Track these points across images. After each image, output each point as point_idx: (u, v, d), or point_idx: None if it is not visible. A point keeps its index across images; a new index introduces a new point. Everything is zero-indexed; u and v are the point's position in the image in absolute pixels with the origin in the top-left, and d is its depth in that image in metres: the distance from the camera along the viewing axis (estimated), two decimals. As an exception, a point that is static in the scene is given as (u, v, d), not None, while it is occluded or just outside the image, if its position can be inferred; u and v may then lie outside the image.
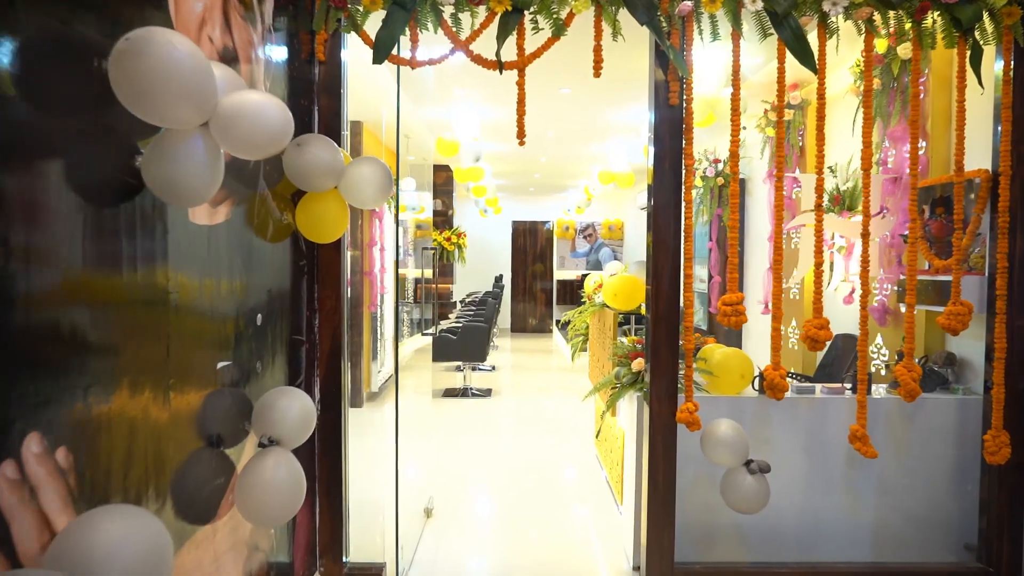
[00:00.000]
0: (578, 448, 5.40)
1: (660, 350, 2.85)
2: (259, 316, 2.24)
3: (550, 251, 13.68)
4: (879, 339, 3.97)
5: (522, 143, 2.93)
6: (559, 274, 13.67)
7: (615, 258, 13.57)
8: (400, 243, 8.68)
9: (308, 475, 2.20)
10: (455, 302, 10.24)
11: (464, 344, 7.05)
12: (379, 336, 7.68)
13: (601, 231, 13.54)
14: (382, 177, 2.54)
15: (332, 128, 2.89)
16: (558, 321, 13.55)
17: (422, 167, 8.98)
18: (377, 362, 7.65)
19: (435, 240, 9.61)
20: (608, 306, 4.07)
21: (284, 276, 2.56)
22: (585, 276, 13.25)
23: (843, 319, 4.65)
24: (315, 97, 2.84)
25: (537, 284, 13.68)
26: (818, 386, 3.31)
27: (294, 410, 2.11)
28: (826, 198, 4.56)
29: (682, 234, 2.89)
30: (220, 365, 1.94)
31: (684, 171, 2.87)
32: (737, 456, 2.76)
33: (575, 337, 4.97)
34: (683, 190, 2.89)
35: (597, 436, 4.36)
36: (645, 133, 5.99)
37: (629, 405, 3.51)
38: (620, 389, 3.31)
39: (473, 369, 8.56)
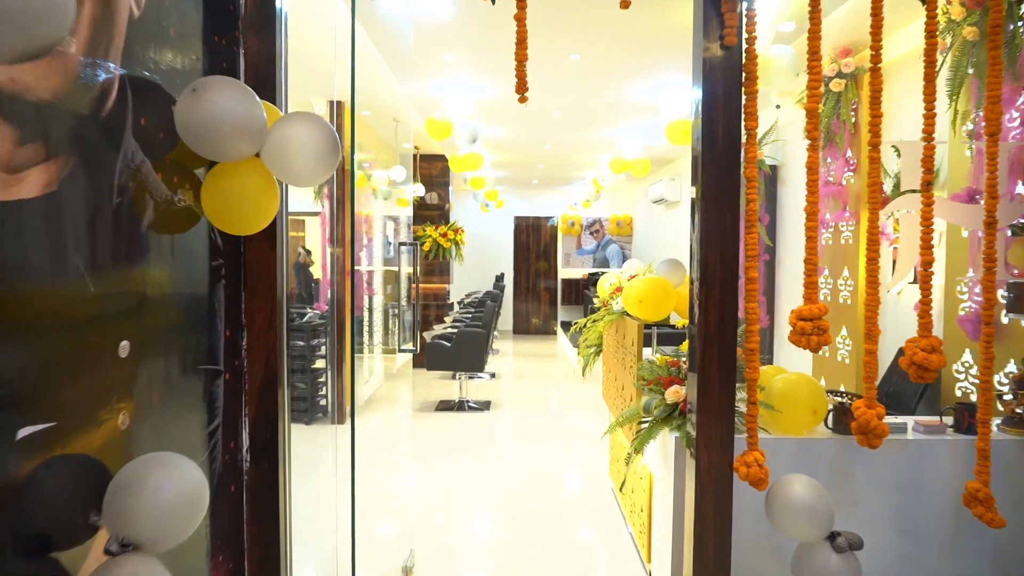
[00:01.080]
0: (591, 478, 4.64)
1: (711, 380, 2.09)
2: (124, 344, 1.49)
3: (554, 248, 12.92)
4: (967, 355, 3.20)
5: (523, 98, 2.15)
6: (564, 272, 12.91)
7: (624, 255, 12.80)
8: (393, 239, 7.93)
9: (233, 548, 1.45)
10: (452, 303, 9.49)
11: (459, 352, 6.30)
12: (366, 343, 6.93)
13: (608, 227, 12.77)
14: (323, 141, 1.79)
15: (264, 79, 2.13)
16: (566, 323, 12.79)
17: (393, 147, 8.23)
18: (364, 371, 6.91)
19: (430, 236, 8.85)
20: (629, 315, 3.31)
21: (186, 281, 1.81)
22: (593, 275, 12.53)
23: (904, 328, 3.89)
24: (239, 36, 2.08)
25: (541, 283, 12.92)
26: (909, 421, 2.55)
27: (167, 492, 1.35)
28: (890, 183, 3.81)
29: (742, 223, 2.13)
30: (22, 433, 1.18)
31: (746, 138, 2.10)
32: (819, 528, 2.00)
33: (586, 349, 4.20)
34: (743, 164, 2.12)
35: (621, 489, 3.59)
36: (666, 109, 5.24)
37: (661, 442, 2.75)
38: (651, 427, 2.55)
39: (470, 378, 7.81)
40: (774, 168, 5.69)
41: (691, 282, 2.25)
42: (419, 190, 8.27)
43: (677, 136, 4.90)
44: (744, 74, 2.10)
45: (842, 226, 4.40)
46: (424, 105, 5.75)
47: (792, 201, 5.49)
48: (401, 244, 5.78)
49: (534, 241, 12.94)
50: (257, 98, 1.70)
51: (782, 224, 5.64)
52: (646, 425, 2.62)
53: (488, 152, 7.84)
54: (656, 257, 10.15)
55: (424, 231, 8.92)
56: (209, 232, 1.91)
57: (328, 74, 5.24)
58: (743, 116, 2.12)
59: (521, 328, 12.98)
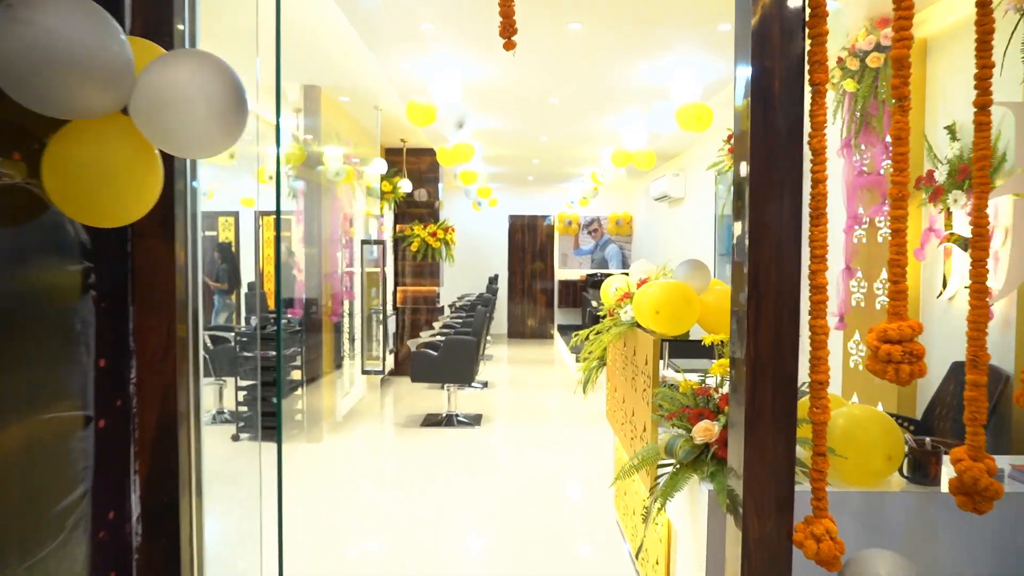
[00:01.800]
0: (593, 506, 4.10)
1: (763, 423, 1.54)
2: None
3: (551, 248, 12.38)
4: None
5: (510, 43, 1.59)
6: (561, 274, 12.36)
7: (623, 255, 12.27)
8: (377, 234, 7.36)
9: None
10: (442, 307, 8.95)
11: (447, 362, 5.74)
12: (346, 351, 6.37)
13: (607, 226, 12.23)
14: (218, 90, 1.24)
15: (156, 20, 1.57)
16: (563, 327, 12.24)
17: (376, 139, 7.69)
18: (344, 382, 6.35)
19: (418, 236, 8.30)
20: (641, 327, 2.76)
21: (29, 296, 1.25)
22: (592, 277, 12.00)
23: (956, 340, 3.37)
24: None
25: (536, 284, 12.38)
26: (1003, 465, 2.01)
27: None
28: (944, 171, 3.27)
29: (803, 212, 1.58)
30: None
31: (811, 97, 1.55)
32: (914, 627, 1.47)
33: (587, 364, 3.65)
34: (805, 135, 1.58)
35: (638, 556, 2.99)
36: (679, 86, 4.70)
37: (688, 491, 2.20)
38: (675, 475, 2.00)
39: (460, 388, 7.25)
40: (793, 159, 5.15)
41: (736, 292, 1.68)
42: (405, 186, 7.72)
43: (689, 121, 4.36)
44: (811, 13, 1.55)
45: (879, 222, 3.86)
46: (405, 88, 5.20)
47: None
48: (364, 243, 5.12)
49: (530, 241, 12.40)
50: (114, 24, 1.15)
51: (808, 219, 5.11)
52: (667, 471, 2.07)
53: (480, 145, 7.30)
54: (658, 258, 9.59)
55: (412, 230, 8.37)
56: (66, 225, 1.35)
57: (299, 53, 4.68)
58: (806, 69, 1.57)
59: (516, 332, 12.43)
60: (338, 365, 6.05)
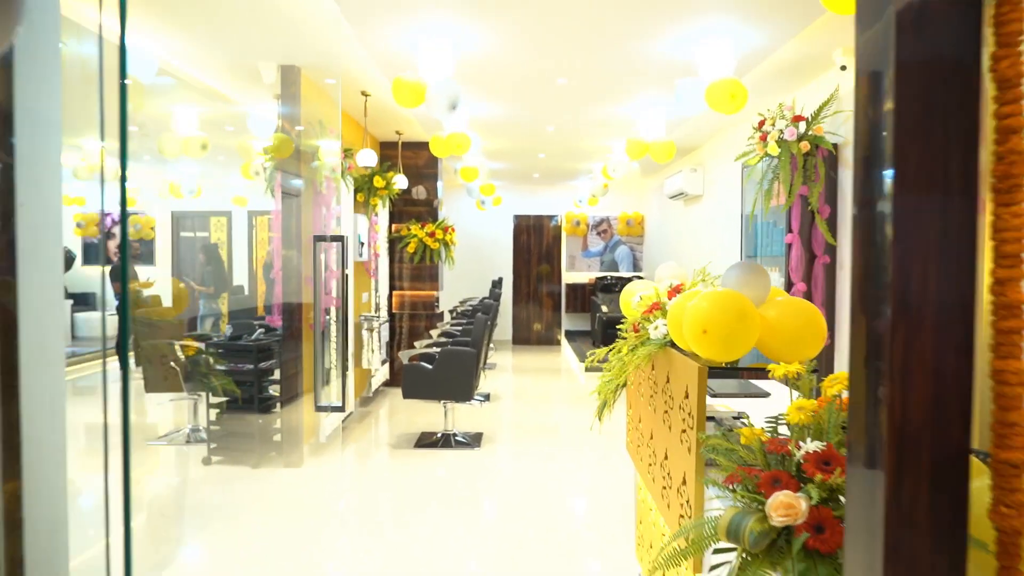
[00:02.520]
0: (612, 557, 3.48)
1: (913, 532, 0.92)
2: None
3: (558, 250, 11.77)
4: None
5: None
6: (568, 277, 11.75)
7: (634, 257, 11.64)
8: (368, 239, 6.78)
9: None
10: (441, 313, 8.35)
11: (442, 377, 5.14)
12: (332, 362, 5.77)
13: (617, 226, 11.60)
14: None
15: None
16: (571, 332, 11.62)
17: (363, 127, 7.15)
18: (332, 396, 5.75)
19: (415, 236, 7.70)
20: (679, 348, 2.15)
21: None
22: (601, 280, 11.37)
23: None
24: None
25: (543, 288, 11.76)
26: None
27: None
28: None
29: (977, 200, 0.94)
30: None
31: (995, 45, 0.91)
32: None
33: (606, 386, 3.02)
34: (978, 87, 0.94)
35: None
36: (701, 69, 4.08)
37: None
38: (744, 570, 1.39)
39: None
40: (834, 147, 4.53)
41: (861, 316, 1.03)
42: (400, 182, 7.12)
43: (721, 100, 3.74)
44: None
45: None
46: (393, 70, 4.60)
47: (861, 188, 4.32)
48: (318, 239, 4.35)
49: (535, 242, 11.79)
50: None
51: (846, 216, 4.48)
52: (729, 562, 1.46)
53: (478, 136, 6.70)
54: (673, 260, 8.92)
55: (408, 230, 7.78)
56: None
57: (276, 31, 4.09)
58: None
59: (522, 338, 11.82)
60: (324, 380, 5.46)
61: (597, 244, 11.71)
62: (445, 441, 5.41)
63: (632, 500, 3.66)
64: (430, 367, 5.16)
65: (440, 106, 3.80)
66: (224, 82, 5.03)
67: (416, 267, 7.91)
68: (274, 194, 4.81)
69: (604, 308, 9.78)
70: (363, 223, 6.43)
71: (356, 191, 6.48)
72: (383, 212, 7.59)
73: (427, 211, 7.96)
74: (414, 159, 7.89)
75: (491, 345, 10.76)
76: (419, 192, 7.96)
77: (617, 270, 11.65)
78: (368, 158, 5.44)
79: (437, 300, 8.11)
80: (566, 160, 8.84)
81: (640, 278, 11.18)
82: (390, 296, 7.87)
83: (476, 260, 11.68)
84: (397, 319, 7.91)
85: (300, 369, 4.82)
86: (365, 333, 6.31)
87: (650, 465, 2.64)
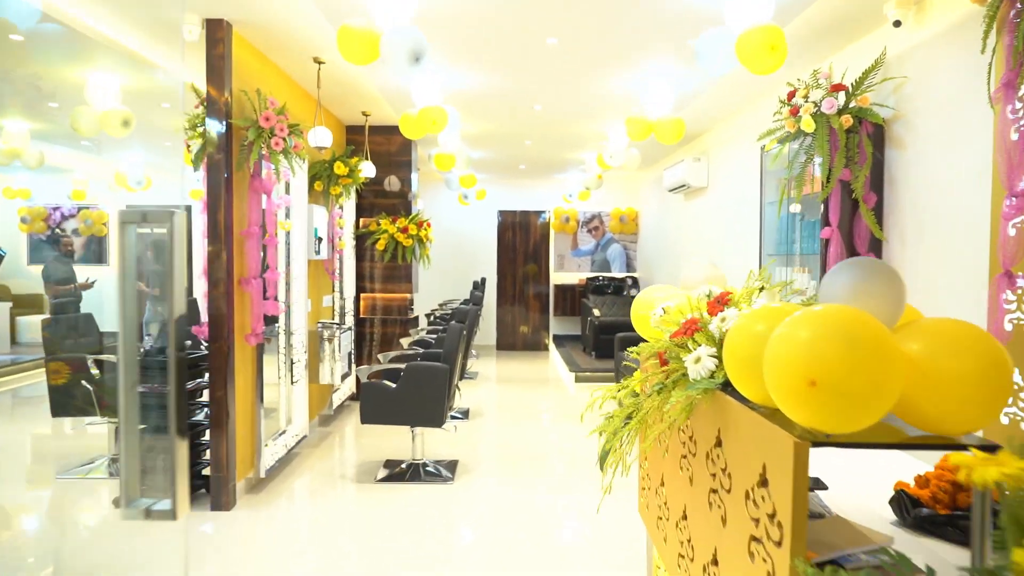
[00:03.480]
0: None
1: None
2: None
3: (545, 248, 10.94)
4: None
5: None
6: (557, 277, 10.92)
7: (627, 256, 10.83)
8: (328, 234, 5.91)
9: None
10: (416, 317, 7.49)
11: (408, 398, 4.29)
12: (280, 378, 4.92)
13: (610, 223, 10.79)
14: None
15: None
16: (559, 337, 10.79)
17: (314, 99, 6.32)
18: (280, 420, 4.90)
19: (384, 231, 6.84)
20: (737, 393, 1.32)
21: None
22: (592, 281, 10.52)
23: None
24: None
25: (529, 289, 10.93)
26: None
27: None
28: None
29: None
30: None
31: None
32: None
33: (612, 430, 2.19)
34: None
35: None
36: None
37: None
38: None
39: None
40: (883, 121, 3.73)
41: None
42: (367, 170, 6.26)
43: (757, 54, 2.92)
44: None
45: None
46: (338, 11, 3.74)
47: (916, 171, 3.52)
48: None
49: (522, 240, 10.95)
50: None
51: (896, 206, 3.68)
52: None
53: (456, 113, 5.84)
54: (671, 260, 8.15)
55: (378, 225, 6.91)
56: None
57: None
58: None
59: (506, 343, 10.98)
60: (260, 402, 4.59)
61: (588, 242, 10.89)
62: (413, 473, 4.56)
63: (643, 560, 2.84)
64: (393, 386, 4.31)
65: (400, 59, 2.95)
66: (146, 44, 4.15)
67: (388, 267, 7.05)
68: (203, 175, 3.94)
69: (596, 311, 8.96)
70: (320, 215, 5.56)
71: (313, 179, 5.61)
72: (350, 205, 6.73)
73: (400, 204, 7.09)
74: (385, 145, 7.02)
75: (472, 352, 9.91)
76: (391, 183, 7.09)
77: (609, 270, 10.85)
78: (321, 137, 4.57)
79: (411, 304, 7.25)
80: (556, 148, 8.00)
81: (634, 279, 10.39)
82: (357, 299, 7.00)
83: (458, 259, 10.83)
84: (367, 325, 7.05)
85: (231, 389, 3.95)
86: (324, 343, 5.44)
87: (681, 557, 1.80)
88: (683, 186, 7.33)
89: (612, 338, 8.63)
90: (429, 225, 7.13)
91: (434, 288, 10.72)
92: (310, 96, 5.37)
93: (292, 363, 4.98)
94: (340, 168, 5.68)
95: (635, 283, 10.27)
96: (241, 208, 4.07)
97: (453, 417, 6.20)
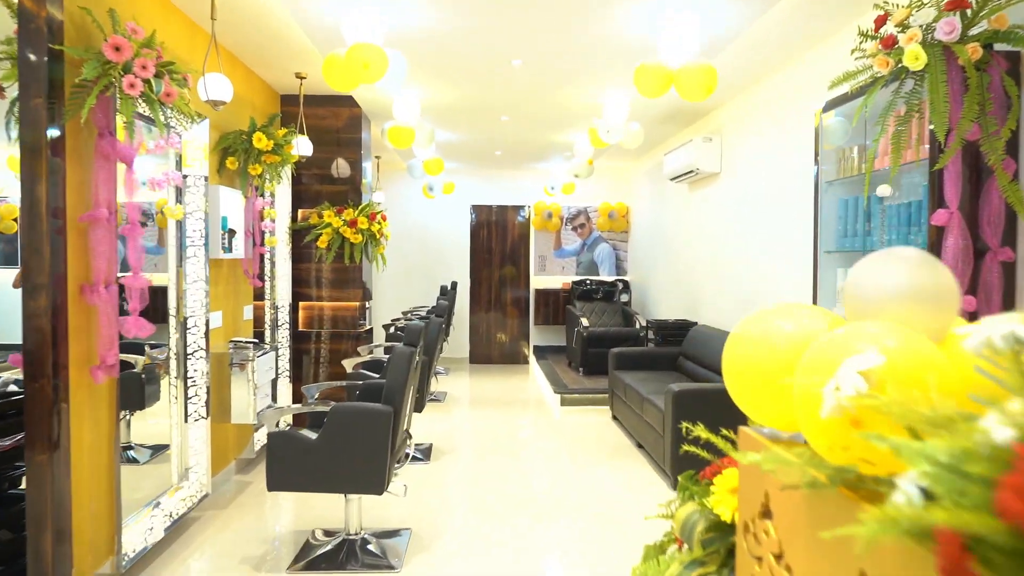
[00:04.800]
0: None
1: None
2: None
3: (525, 249, 9.71)
4: None
5: None
6: (538, 281, 9.70)
7: (618, 258, 9.65)
8: (247, 226, 4.62)
9: None
10: (370, 330, 6.21)
11: (334, 454, 3.01)
12: (174, 419, 3.61)
13: (597, 220, 9.60)
14: None
15: None
16: (540, 348, 9.57)
17: (207, 34, 5.01)
18: (154, 481, 3.60)
19: (328, 225, 5.55)
20: None
21: None
22: (578, 285, 9.25)
23: None
24: None
25: (507, 294, 9.69)
26: None
27: None
28: None
29: None
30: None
31: None
32: None
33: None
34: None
35: None
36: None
37: None
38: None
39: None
40: (1017, 55, 2.57)
41: None
42: (303, 147, 4.98)
43: None
44: None
45: None
46: None
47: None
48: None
49: (498, 239, 9.70)
50: None
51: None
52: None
53: (404, 61, 4.56)
54: (669, 262, 6.94)
55: (320, 217, 5.63)
56: None
57: None
58: None
59: (481, 355, 9.71)
60: (131, 457, 3.30)
61: (573, 241, 9.68)
62: (347, 553, 3.29)
63: None
64: (312, 437, 3.03)
65: None
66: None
67: (334, 269, 5.76)
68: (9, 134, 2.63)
69: (584, 321, 7.74)
70: (233, 201, 4.26)
71: (226, 154, 4.32)
72: (284, 192, 5.43)
73: (350, 192, 5.81)
74: (330, 120, 5.73)
75: (440, 370, 8.65)
76: (340, 168, 5.81)
77: (597, 273, 9.65)
78: (217, 88, 3.28)
79: (363, 314, 5.96)
80: (538, 127, 6.76)
81: (625, 282, 9.19)
82: (295, 309, 5.70)
83: (426, 261, 9.55)
84: (308, 341, 5.75)
85: (60, 453, 2.64)
86: (235, 370, 4.13)
87: None
88: (690, 172, 6.15)
89: (603, 352, 7.41)
90: (384, 218, 5.86)
91: (399, 294, 9.44)
92: (200, 27, 4.00)
93: (187, 397, 3.68)
94: (261, 141, 4.38)
95: (626, 287, 9.08)
96: (82, 182, 2.77)
97: (412, 458, 4.93)
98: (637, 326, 7.83)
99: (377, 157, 8.79)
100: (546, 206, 9.49)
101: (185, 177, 3.68)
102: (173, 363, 3.66)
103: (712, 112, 6.07)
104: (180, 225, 3.68)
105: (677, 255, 7.19)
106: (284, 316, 5.43)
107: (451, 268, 9.60)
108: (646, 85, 3.45)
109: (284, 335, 5.43)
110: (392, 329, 7.03)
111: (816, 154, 3.55)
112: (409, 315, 8.30)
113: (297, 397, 5.66)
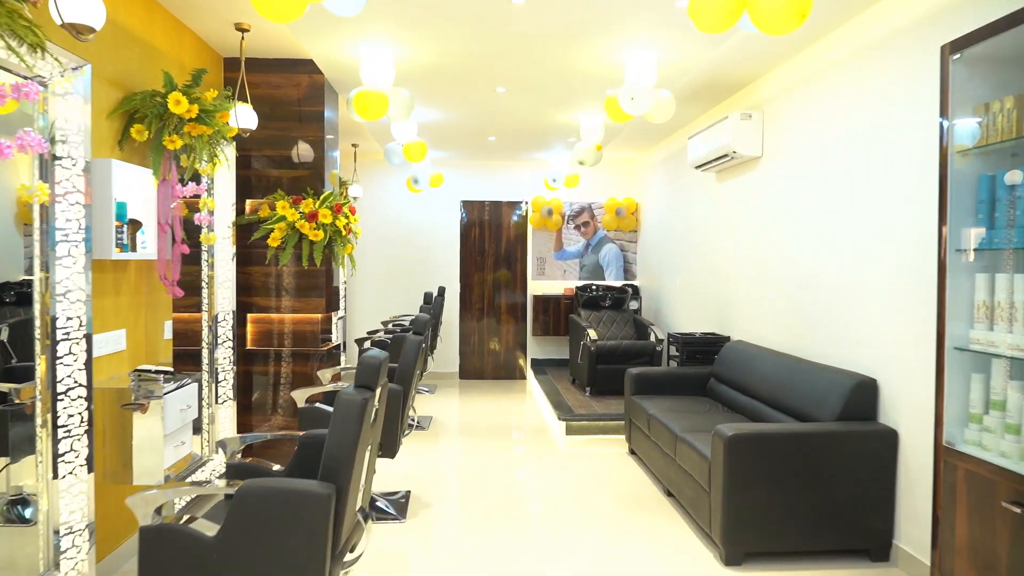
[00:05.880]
0: None
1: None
2: None
3: (522, 250, 8.66)
4: None
5: None
6: (536, 286, 8.65)
7: (626, 260, 8.61)
8: (163, 217, 3.55)
9: None
10: (337, 346, 5.14)
11: (241, 558, 1.93)
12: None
13: (603, 218, 8.56)
14: None
15: None
16: (540, 362, 8.51)
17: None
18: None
19: (281, 218, 4.49)
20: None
21: None
22: (583, 290, 8.14)
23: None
24: None
25: (501, 300, 8.64)
26: None
27: None
28: None
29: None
30: None
31: None
32: None
33: None
34: None
35: None
36: None
37: None
38: None
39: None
40: None
41: None
42: (244, 118, 3.91)
43: None
44: None
45: None
46: None
47: None
48: None
49: (491, 239, 8.65)
50: None
51: None
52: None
53: (387, 28, 3.49)
54: (675, 265, 5.83)
55: (271, 210, 4.56)
56: None
57: None
58: None
59: (472, 370, 8.65)
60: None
61: (576, 241, 8.63)
62: None
63: None
64: (209, 537, 1.96)
65: None
66: None
67: (293, 273, 4.69)
68: None
69: (591, 333, 6.69)
70: (138, 183, 3.17)
71: (133, 119, 3.24)
72: (227, 178, 4.35)
73: (311, 179, 4.74)
74: (288, 90, 4.67)
75: (424, 388, 7.56)
76: (303, 152, 4.74)
77: (602, 276, 8.61)
78: (76, 3, 2.22)
79: (327, 328, 4.90)
80: (541, 103, 5.71)
81: (634, 288, 8.16)
82: (240, 323, 4.63)
83: (410, 263, 8.49)
84: (259, 362, 4.68)
85: None
86: (137, 411, 3.04)
87: None
88: (722, 158, 5.12)
89: (613, 370, 6.38)
90: (353, 211, 4.79)
91: (381, 302, 8.37)
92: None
93: (58, 453, 2.60)
94: (180, 104, 3.30)
95: (635, 293, 8.04)
96: None
97: (380, 514, 3.86)
98: (652, 339, 6.78)
99: (354, 145, 7.73)
100: (546, 202, 8.44)
101: (54, 144, 2.60)
102: (38, 404, 2.59)
103: (752, 84, 5.04)
104: (47, 212, 2.60)
105: (701, 258, 6.15)
106: (227, 331, 4.35)
107: (439, 272, 8.53)
108: (708, 15, 2.40)
109: (227, 355, 4.36)
110: (367, 344, 5.97)
111: (945, 110, 2.51)
112: (391, 325, 7.25)
113: (241, 428, 4.58)
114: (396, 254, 8.43)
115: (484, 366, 8.64)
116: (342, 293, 7.58)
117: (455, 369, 8.59)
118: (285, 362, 4.76)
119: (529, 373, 8.52)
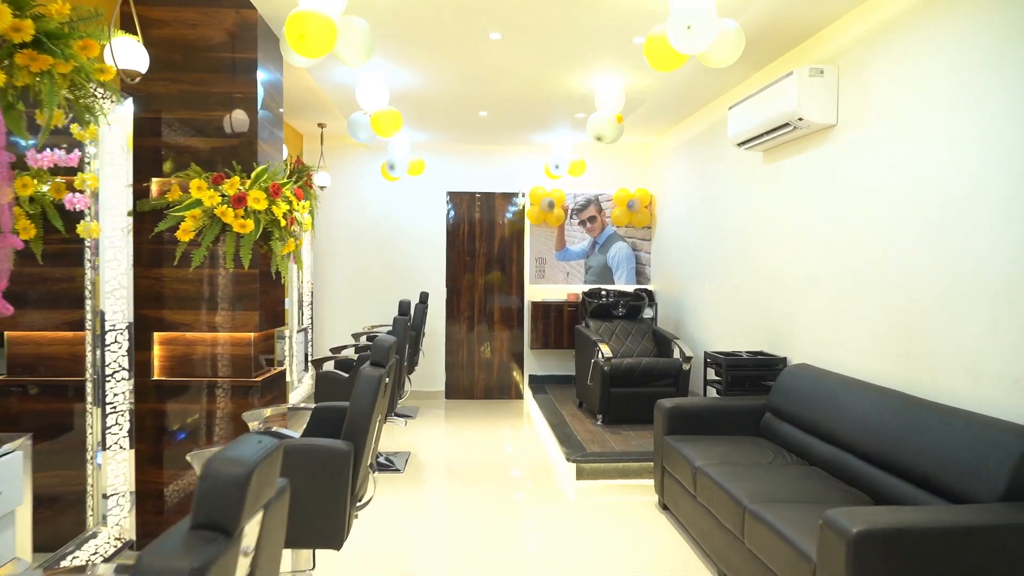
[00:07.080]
0: None
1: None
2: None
3: (519, 249, 7.48)
4: None
5: None
6: (535, 291, 7.47)
7: (638, 262, 7.45)
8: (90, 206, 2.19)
9: None
10: (280, 373, 3.94)
11: None
12: None
13: (612, 212, 7.39)
14: None
15: None
16: (538, 379, 7.34)
17: None
18: None
19: (196, 202, 3.29)
20: None
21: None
22: (590, 295, 6.87)
23: None
24: None
25: (494, 307, 7.47)
26: None
27: None
28: None
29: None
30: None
31: None
32: None
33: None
34: None
35: None
36: None
37: None
38: None
39: None
40: None
41: None
42: (128, 55, 2.72)
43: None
44: None
45: None
46: None
47: None
48: None
49: (483, 236, 7.47)
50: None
51: None
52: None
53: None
54: (702, 267, 4.64)
55: (183, 191, 3.36)
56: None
57: None
58: None
59: (461, 388, 7.46)
60: None
61: (580, 239, 7.46)
62: None
63: None
64: None
65: None
66: None
67: (228, 276, 3.50)
68: None
69: (604, 349, 5.50)
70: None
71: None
72: (117, 148, 3.14)
73: (242, 149, 3.54)
74: (205, 30, 3.47)
75: (401, 414, 6.34)
76: (236, 121, 3.54)
77: (611, 279, 7.44)
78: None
79: (265, 348, 3.70)
80: (548, 58, 4.53)
81: (648, 293, 6.99)
82: (144, 345, 3.43)
83: (389, 265, 7.30)
84: (173, 396, 3.48)
85: None
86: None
87: None
88: (781, 129, 3.97)
89: (631, 394, 5.24)
90: (300, 194, 3.59)
91: (354, 310, 7.18)
92: None
93: None
94: (5, 18, 2.09)
95: (651, 299, 6.87)
96: None
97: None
98: (677, 355, 5.61)
99: (321, 125, 6.55)
100: (546, 193, 7.26)
101: None
102: None
103: (820, 33, 3.89)
104: None
105: (742, 258, 5.00)
106: (119, 357, 3.15)
107: (422, 274, 7.34)
108: None
109: (122, 389, 3.15)
110: (326, 367, 4.78)
111: None
112: (363, 337, 6.07)
113: (149, 485, 3.38)
114: (372, 254, 7.24)
115: (474, 384, 7.45)
116: (304, 301, 6.38)
117: (440, 388, 7.40)
118: (209, 397, 3.56)
119: (527, 392, 7.35)
